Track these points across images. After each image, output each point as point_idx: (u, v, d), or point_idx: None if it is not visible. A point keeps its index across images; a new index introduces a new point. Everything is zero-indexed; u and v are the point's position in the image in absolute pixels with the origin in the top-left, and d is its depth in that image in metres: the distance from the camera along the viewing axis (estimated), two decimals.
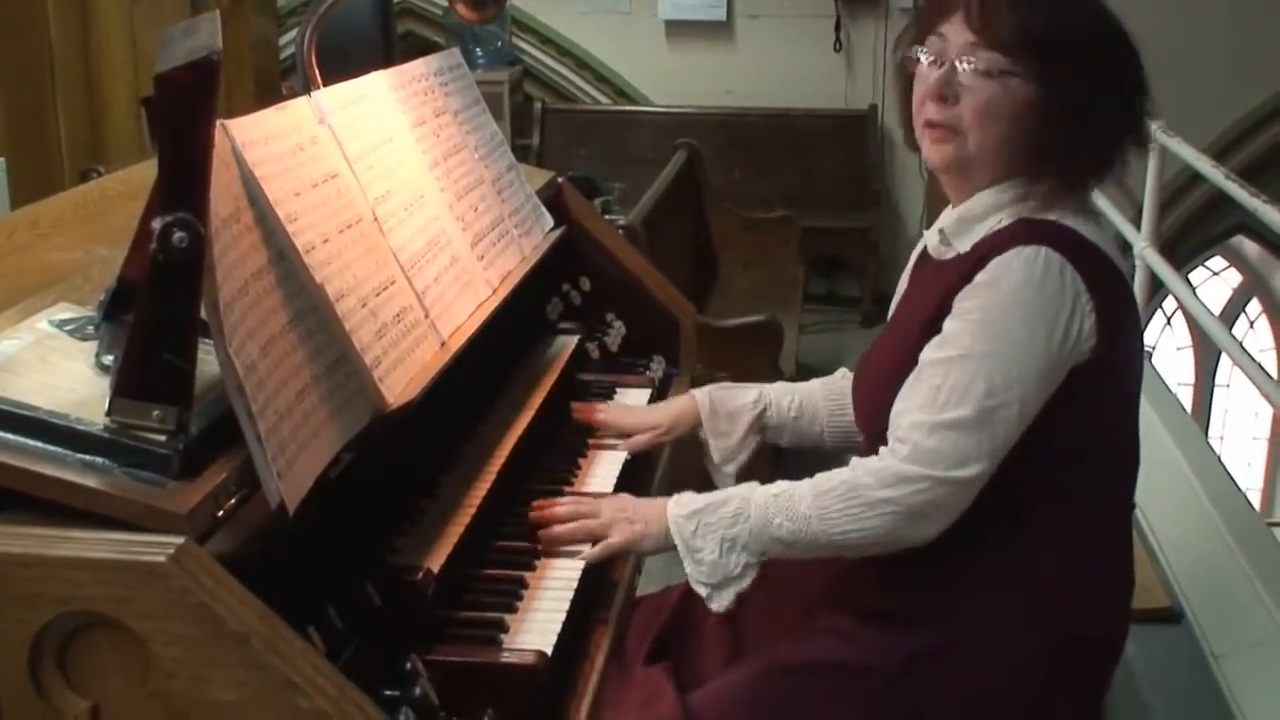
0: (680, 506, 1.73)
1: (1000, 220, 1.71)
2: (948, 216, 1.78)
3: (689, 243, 5.55)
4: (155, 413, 1.19)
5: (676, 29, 7.06)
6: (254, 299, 1.33)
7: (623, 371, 2.43)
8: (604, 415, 2.14)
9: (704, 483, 2.02)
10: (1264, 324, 10.06)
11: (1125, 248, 5.39)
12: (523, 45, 7.14)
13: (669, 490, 1.82)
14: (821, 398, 2.10)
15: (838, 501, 1.65)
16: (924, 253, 1.89)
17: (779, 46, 6.99)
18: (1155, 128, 3.85)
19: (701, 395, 2.11)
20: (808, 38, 6.95)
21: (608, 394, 2.30)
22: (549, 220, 2.34)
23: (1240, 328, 9.46)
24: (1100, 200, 4.80)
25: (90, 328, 1.39)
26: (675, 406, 2.13)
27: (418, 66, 2.08)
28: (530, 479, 1.94)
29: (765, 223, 5.85)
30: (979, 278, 1.64)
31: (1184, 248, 7.26)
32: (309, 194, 1.54)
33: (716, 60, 7.07)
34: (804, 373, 5.14)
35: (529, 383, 2.12)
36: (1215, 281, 9.80)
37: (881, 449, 1.66)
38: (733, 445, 2.08)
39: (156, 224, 1.13)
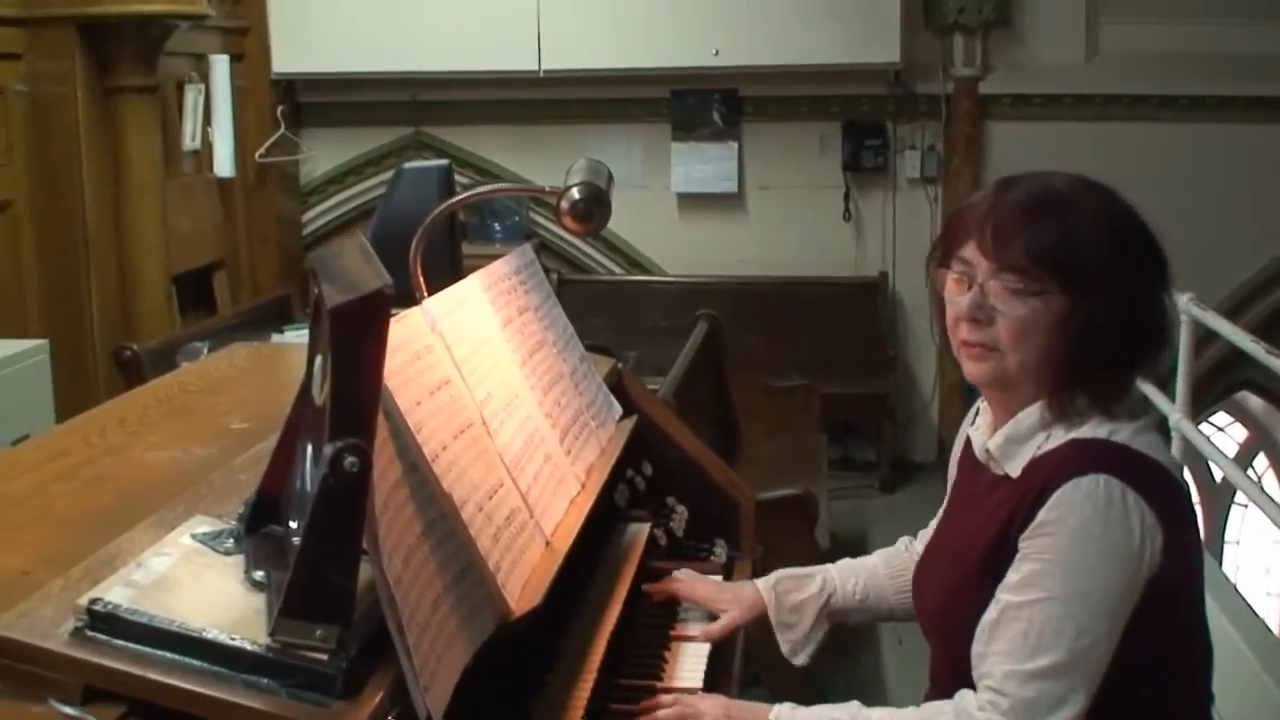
0: None
1: (1049, 437, 1.70)
2: (994, 436, 1.77)
3: (713, 412, 5.57)
4: (319, 632, 1.21)
5: (689, 201, 7.20)
6: (395, 511, 1.37)
7: (689, 557, 2.44)
8: (678, 586, 2.19)
9: (779, 659, 2.06)
10: (1270, 479, 10.11)
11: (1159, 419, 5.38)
12: (538, 219, 7.27)
13: (750, 673, 1.83)
14: (885, 575, 2.12)
15: None
16: (969, 443, 1.89)
17: (789, 217, 7.11)
18: (1186, 299, 3.94)
19: (766, 589, 2.13)
20: (817, 208, 7.08)
21: None
22: (618, 409, 2.39)
23: None
24: None
25: (230, 541, 1.42)
26: (745, 596, 2.14)
27: (501, 267, 2.15)
28: (622, 674, 1.95)
29: (786, 391, 5.88)
30: (1043, 515, 1.63)
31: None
32: (427, 402, 1.59)
33: (728, 230, 7.20)
34: (837, 543, 5.13)
35: (610, 575, 2.14)
36: (1220, 437, 9.88)
37: (981, 698, 1.65)
38: (801, 636, 2.11)
39: (328, 449, 1.17)
